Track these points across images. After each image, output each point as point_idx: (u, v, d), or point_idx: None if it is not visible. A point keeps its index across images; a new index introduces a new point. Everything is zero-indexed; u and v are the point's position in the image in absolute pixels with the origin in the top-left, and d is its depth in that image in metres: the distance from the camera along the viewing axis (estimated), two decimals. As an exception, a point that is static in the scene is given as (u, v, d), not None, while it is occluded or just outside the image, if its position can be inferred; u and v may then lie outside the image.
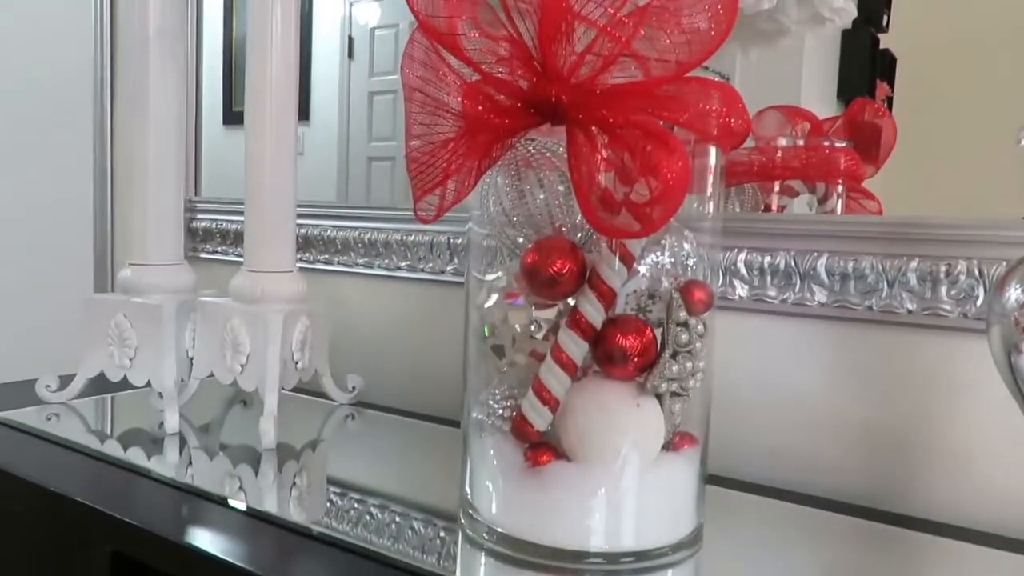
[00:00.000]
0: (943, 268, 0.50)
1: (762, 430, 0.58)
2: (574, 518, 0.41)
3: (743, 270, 0.58)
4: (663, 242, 0.43)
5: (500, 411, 0.43)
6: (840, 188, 0.65)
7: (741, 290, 0.58)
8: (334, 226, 0.81)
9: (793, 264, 0.56)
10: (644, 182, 0.34)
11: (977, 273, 0.49)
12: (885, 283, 0.53)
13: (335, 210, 0.82)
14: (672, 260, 0.43)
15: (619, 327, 0.41)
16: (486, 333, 0.44)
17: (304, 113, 0.83)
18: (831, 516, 0.51)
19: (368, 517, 0.48)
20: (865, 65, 0.63)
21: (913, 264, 0.51)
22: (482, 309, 0.44)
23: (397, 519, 0.48)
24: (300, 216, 0.83)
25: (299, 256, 0.84)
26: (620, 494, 0.41)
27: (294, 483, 0.57)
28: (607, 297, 0.40)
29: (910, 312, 0.52)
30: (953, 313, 0.51)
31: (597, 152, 0.34)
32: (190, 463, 0.58)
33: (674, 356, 0.41)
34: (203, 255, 0.95)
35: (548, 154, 0.43)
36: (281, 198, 0.64)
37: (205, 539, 0.45)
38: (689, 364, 0.42)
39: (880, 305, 0.53)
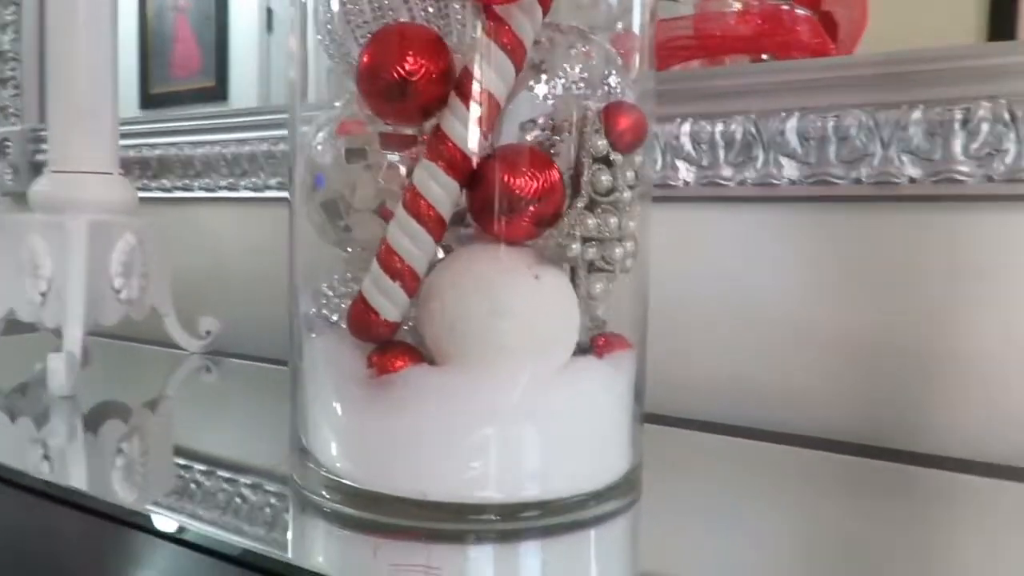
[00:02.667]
0: (958, 115, 0.38)
1: (718, 354, 0.45)
2: (445, 453, 0.27)
3: (688, 146, 0.44)
4: (572, 51, 0.30)
5: (337, 300, 0.29)
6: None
7: (686, 173, 0.45)
8: (191, 142, 0.66)
9: (754, 131, 0.42)
10: None
11: (1008, 116, 0.37)
12: (878, 144, 0.40)
13: (190, 123, 0.67)
14: (586, 76, 0.29)
15: (506, 159, 0.27)
16: (316, 186, 0.29)
17: (222, 92, 0.74)
18: (814, 455, 0.38)
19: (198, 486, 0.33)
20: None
21: (916, 114, 0.39)
22: (310, 151, 0.29)
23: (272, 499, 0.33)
24: (150, 135, 0.69)
25: (154, 184, 0.69)
26: (514, 414, 0.27)
27: (120, 450, 0.42)
28: (486, 110, 0.26)
29: (913, 181, 0.39)
30: (973, 176, 0.38)
31: None
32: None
33: (591, 207, 0.28)
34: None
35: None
36: (97, 74, 0.49)
37: None
38: (614, 220, 0.28)
39: (872, 175, 0.40)
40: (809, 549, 0.28)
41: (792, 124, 0.41)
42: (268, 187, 0.61)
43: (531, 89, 0.28)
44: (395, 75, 0.26)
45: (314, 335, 0.30)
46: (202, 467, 0.35)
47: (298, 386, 0.31)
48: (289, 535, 0.28)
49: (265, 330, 0.60)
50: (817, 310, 0.43)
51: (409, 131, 0.28)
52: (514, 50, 0.26)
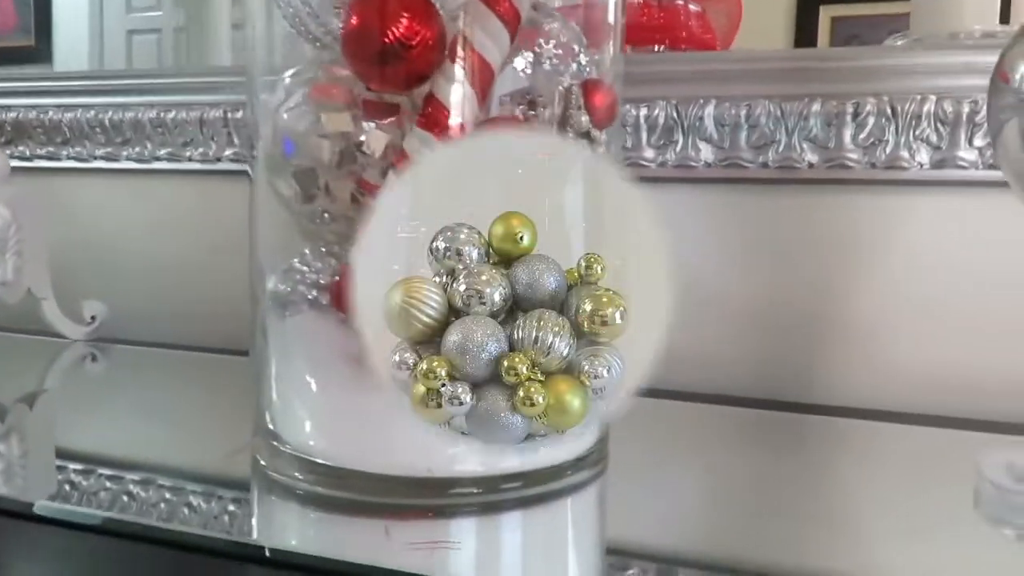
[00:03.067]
0: (849, 109, 0.42)
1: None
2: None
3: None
4: (547, 27, 0.30)
5: (314, 275, 0.28)
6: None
7: (612, 154, 0.47)
8: (58, 105, 0.59)
9: (675, 116, 0.45)
10: None
11: (889, 111, 0.42)
12: (783, 132, 0.44)
13: (58, 83, 0.60)
14: (559, 52, 0.30)
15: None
16: (285, 154, 0.28)
17: (45, 54, 0.68)
18: (724, 410, 0.41)
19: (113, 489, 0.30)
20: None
21: (816, 106, 0.43)
22: (276, 116, 0.28)
23: (167, 494, 0.30)
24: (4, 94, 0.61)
25: (11, 152, 0.61)
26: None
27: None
28: (481, 78, 0.26)
29: (811, 166, 0.44)
30: (860, 163, 0.43)
31: None
32: None
33: (573, 182, 0.28)
34: None
35: None
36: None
37: None
38: (592, 196, 0.29)
39: (777, 160, 0.44)
40: (724, 485, 0.32)
41: (709, 111, 0.44)
42: (157, 158, 0.56)
43: (511, 62, 0.29)
44: (388, 38, 0.25)
45: (288, 313, 0.28)
46: (80, 466, 0.32)
47: (263, 367, 0.29)
48: (255, 520, 0.27)
49: (158, 313, 0.56)
50: (727, 281, 0.46)
51: (390, 99, 0.27)
52: (510, 20, 0.26)
